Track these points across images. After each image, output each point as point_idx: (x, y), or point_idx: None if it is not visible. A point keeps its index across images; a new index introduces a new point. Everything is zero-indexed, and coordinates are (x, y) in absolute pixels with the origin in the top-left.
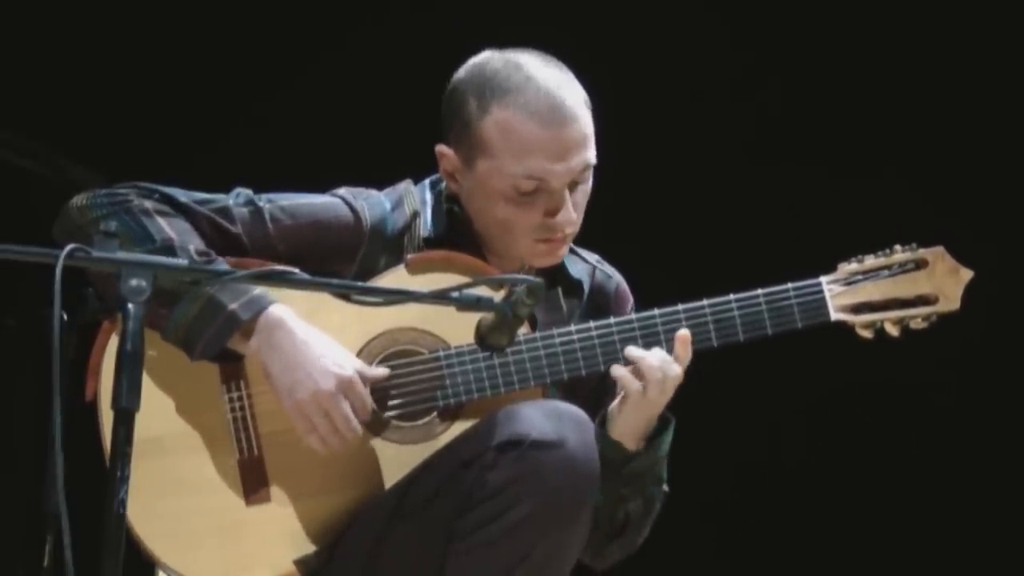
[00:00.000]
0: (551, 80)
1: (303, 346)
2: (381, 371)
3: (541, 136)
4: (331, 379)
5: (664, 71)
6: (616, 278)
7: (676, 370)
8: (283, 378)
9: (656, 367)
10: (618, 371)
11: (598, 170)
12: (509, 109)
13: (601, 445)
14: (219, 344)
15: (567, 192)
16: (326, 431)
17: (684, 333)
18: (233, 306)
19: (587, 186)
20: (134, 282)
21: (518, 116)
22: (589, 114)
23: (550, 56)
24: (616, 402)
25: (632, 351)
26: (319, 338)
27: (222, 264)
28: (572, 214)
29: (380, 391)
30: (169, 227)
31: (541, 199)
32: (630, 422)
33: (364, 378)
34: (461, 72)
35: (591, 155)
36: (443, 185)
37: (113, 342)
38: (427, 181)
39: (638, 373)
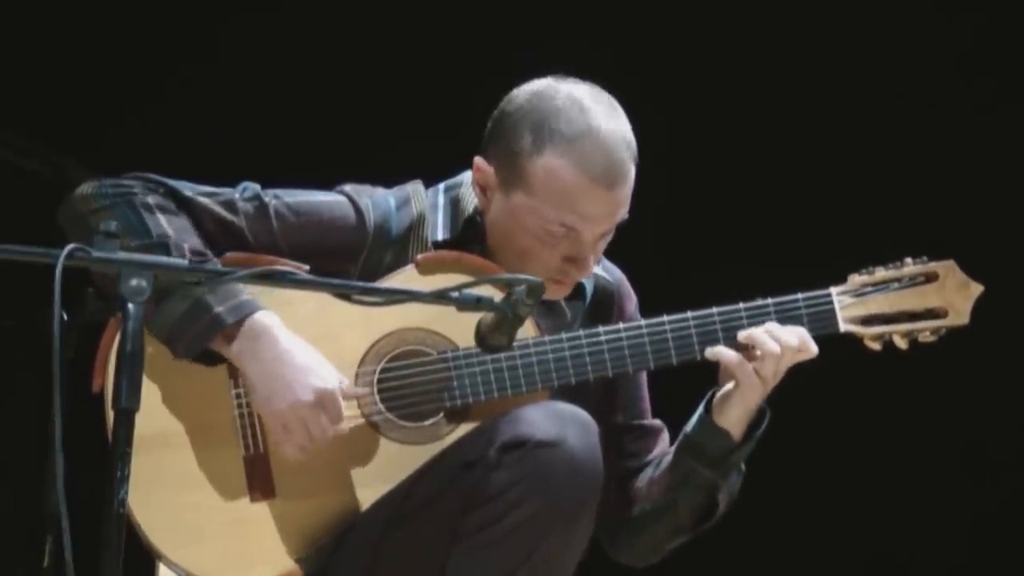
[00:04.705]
0: (612, 137)
1: (285, 356)
2: (362, 391)
3: (588, 194)
4: (309, 392)
5: (673, 75)
6: (618, 277)
7: (794, 342)
8: (260, 386)
9: (774, 342)
10: (727, 355)
11: None
12: (563, 158)
13: (702, 434)
14: (200, 344)
15: (593, 243)
16: (302, 440)
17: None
18: (219, 309)
19: (611, 236)
20: (134, 282)
21: (571, 168)
22: (634, 168)
23: (605, 94)
24: (725, 390)
25: (744, 332)
26: (302, 349)
27: (217, 266)
28: (591, 267)
29: (387, 391)
30: (168, 224)
31: (566, 243)
32: (746, 407)
33: (346, 395)
34: (519, 98)
35: (626, 211)
36: (461, 191)
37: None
38: (441, 185)
39: (752, 356)
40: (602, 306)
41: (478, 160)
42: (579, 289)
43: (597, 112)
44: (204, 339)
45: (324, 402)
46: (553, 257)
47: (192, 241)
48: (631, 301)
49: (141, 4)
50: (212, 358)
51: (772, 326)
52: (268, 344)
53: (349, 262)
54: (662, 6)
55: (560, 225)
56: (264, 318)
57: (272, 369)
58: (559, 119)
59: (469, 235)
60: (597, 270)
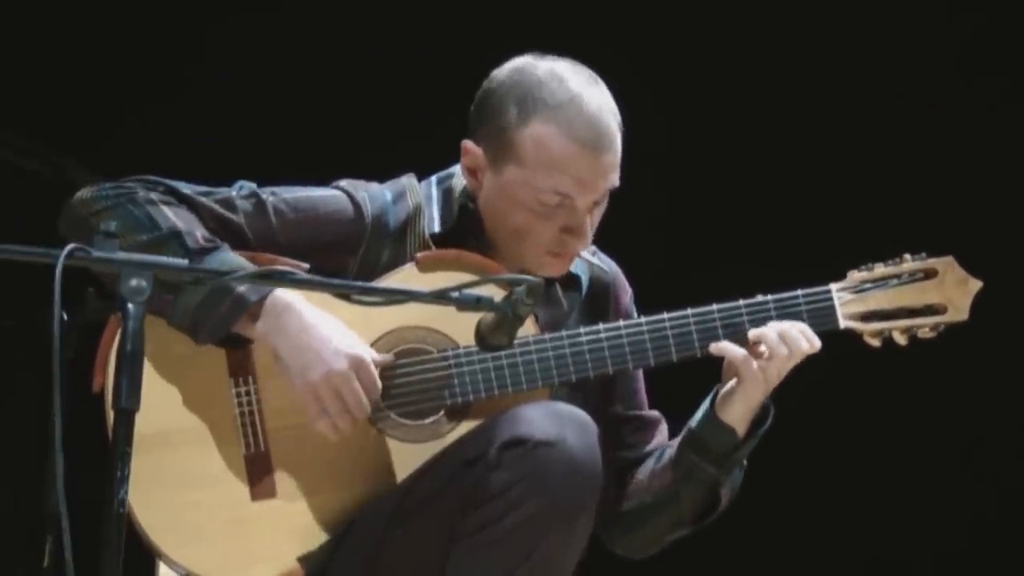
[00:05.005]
0: (595, 102)
1: (312, 328)
2: (388, 357)
3: (577, 159)
4: (343, 359)
5: (673, 75)
6: (613, 269)
7: (804, 347)
8: (293, 360)
9: (781, 343)
10: (731, 350)
11: None
12: (550, 125)
13: (708, 431)
14: (226, 327)
15: (587, 212)
16: (338, 412)
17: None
18: (240, 289)
19: (604, 205)
20: (134, 282)
21: (558, 134)
22: (620, 135)
23: (585, 68)
24: (729, 386)
25: (754, 332)
26: (327, 320)
27: (227, 250)
28: (588, 235)
29: (388, 388)
30: (175, 216)
31: (561, 214)
32: (749, 404)
33: (373, 362)
34: (500, 75)
35: (617, 178)
36: (453, 181)
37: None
38: (433, 178)
39: (757, 353)
40: (598, 297)
41: (466, 143)
42: (576, 280)
43: (578, 81)
44: (229, 321)
45: (357, 368)
46: (549, 229)
47: (201, 231)
48: (626, 293)
49: (141, 4)
50: (233, 342)
51: (778, 326)
52: (294, 318)
53: (348, 255)
54: (663, 6)
55: (554, 193)
56: (285, 294)
57: (301, 341)
58: (542, 90)
59: (464, 225)
60: (594, 260)
